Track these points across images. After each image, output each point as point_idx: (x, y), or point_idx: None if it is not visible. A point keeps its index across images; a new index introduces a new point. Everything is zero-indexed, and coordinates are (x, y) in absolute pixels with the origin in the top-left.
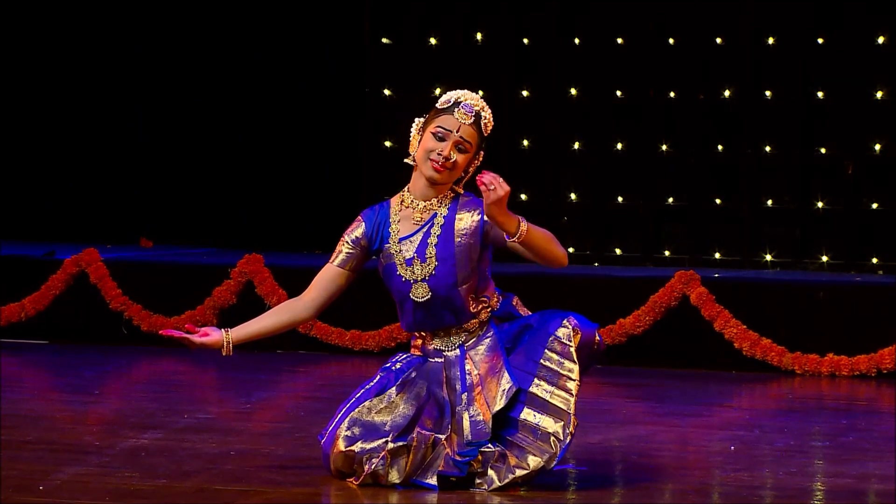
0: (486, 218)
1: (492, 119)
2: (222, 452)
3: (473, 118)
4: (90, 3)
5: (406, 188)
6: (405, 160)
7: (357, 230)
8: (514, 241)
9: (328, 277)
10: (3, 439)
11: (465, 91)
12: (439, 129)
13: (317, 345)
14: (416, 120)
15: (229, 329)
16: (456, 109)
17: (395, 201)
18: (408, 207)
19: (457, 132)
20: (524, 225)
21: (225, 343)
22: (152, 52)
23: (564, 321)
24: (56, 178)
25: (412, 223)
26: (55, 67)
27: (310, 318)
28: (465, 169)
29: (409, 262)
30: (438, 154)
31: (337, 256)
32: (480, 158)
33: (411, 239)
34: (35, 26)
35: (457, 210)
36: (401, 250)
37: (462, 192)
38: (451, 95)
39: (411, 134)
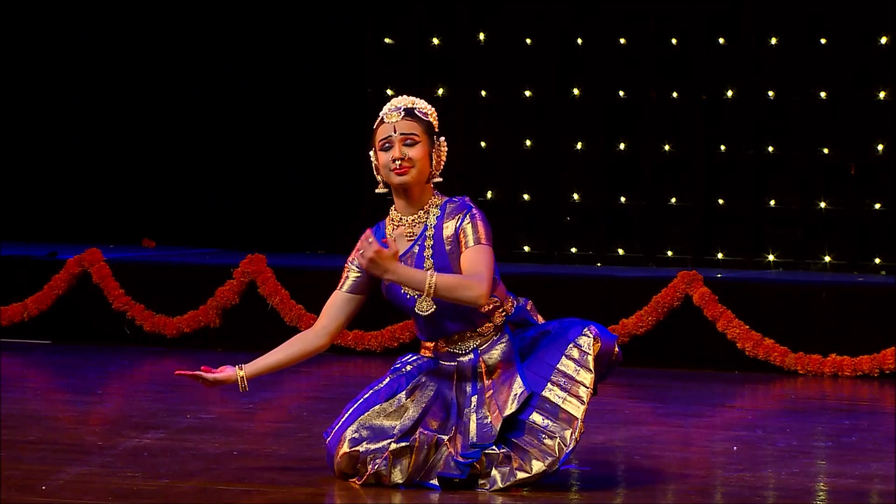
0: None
1: (430, 107)
2: (225, 452)
3: (403, 113)
4: (90, 3)
5: (392, 208)
6: (376, 191)
7: None
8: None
9: (338, 304)
10: (6, 439)
11: (392, 100)
12: (382, 141)
13: None
14: (370, 153)
15: (242, 365)
16: (385, 117)
17: (388, 222)
18: (399, 225)
19: (396, 133)
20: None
21: (239, 379)
22: (153, 53)
23: (585, 330)
24: (58, 178)
25: (406, 239)
26: (57, 67)
27: (323, 346)
28: (431, 161)
29: None
30: (393, 160)
31: (344, 282)
32: (443, 146)
33: (409, 254)
34: (36, 26)
35: (444, 218)
36: None
37: (449, 198)
38: (381, 112)
39: (372, 166)
